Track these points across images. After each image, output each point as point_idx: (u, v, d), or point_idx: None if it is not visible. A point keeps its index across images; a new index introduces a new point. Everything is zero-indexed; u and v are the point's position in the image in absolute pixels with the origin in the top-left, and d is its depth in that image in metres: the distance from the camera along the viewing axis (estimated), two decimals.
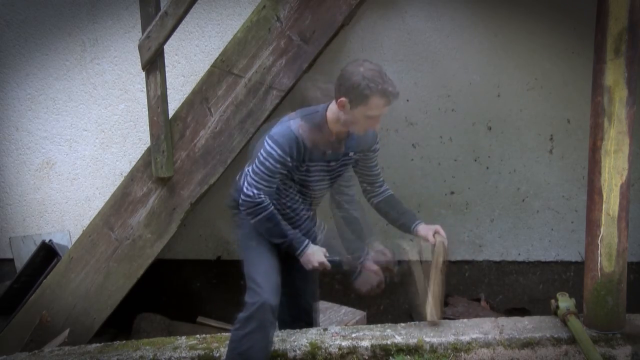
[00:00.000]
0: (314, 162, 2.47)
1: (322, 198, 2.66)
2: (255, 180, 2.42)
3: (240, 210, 2.51)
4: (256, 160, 2.42)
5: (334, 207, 2.72)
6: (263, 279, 2.43)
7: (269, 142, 2.39)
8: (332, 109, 2.42)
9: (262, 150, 2.41)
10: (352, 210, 2.69)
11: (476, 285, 3.96)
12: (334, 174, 2.58)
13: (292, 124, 2.41)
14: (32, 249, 3.67)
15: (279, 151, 2.37)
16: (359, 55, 3.67)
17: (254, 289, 2.41)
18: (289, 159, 2.39)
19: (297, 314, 2.81)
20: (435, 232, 2.63)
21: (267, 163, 2.39)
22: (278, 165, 2.40)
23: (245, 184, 2.46)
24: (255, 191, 2.42)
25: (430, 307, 2.70)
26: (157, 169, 3.06)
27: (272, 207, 2.45)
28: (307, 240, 2.51)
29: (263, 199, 2.42)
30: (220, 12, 3.65)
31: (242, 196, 2.46)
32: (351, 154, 2.56)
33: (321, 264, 2.50)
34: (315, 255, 2.50)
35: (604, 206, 2.61)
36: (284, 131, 2.39)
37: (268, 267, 2.49)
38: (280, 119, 2.48)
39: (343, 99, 2.31)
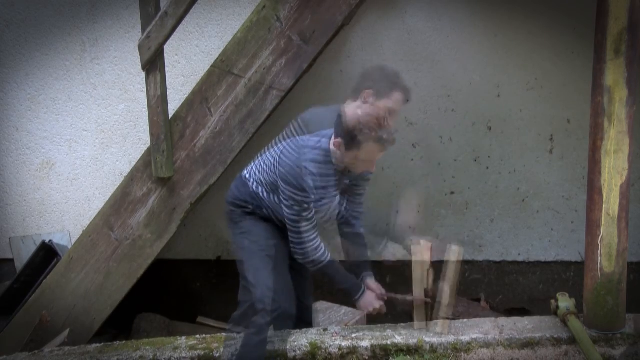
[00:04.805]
0: (323, 190, 2.49)
1: (330, 220, 2.69)
2: (301, 227, 2.43)
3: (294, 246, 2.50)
4: (288, 211, 2.42)
5: (341, 223, 2.74)
6: (275, 285, 2.46)
7: (292, 190, 2.39)
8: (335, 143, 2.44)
9: (288, 200, 2.41)
10: (359, 227, 2.73)
11: (476, 285, 3.96)
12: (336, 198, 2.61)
13: (306, 163, 2.40)
14: (32, 249, 3.67)
15: (303, 194, 2.39)
16: (359, 55, 3.68)
17: (266, 293, 2.43)
18: (313, 193, 2.41)
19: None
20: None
21: (297, 207, 2.41)
22: (308, 200, 2.42)
23: (292, 236, 2.47)
24: (307, 235, 2.44)
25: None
26: (157, 169, 3.06)
27: (329, 254, 2.49)
28: (363, 286, 2.62)
29: (319, 244, 2.46)
30: (220, 12, 3.65)
31: (296, 248, 2.47)
32: (346, 181, 2.59)
33: (380, 307, 2.63)
34: (372, 299, 2.61)
35: (604, 206, 2.61)
36: (300, 174, 2.38)
37: (273, 271, 2.50)
38: (290, 159, 2.44)
39: (339, 139, 2.36)
